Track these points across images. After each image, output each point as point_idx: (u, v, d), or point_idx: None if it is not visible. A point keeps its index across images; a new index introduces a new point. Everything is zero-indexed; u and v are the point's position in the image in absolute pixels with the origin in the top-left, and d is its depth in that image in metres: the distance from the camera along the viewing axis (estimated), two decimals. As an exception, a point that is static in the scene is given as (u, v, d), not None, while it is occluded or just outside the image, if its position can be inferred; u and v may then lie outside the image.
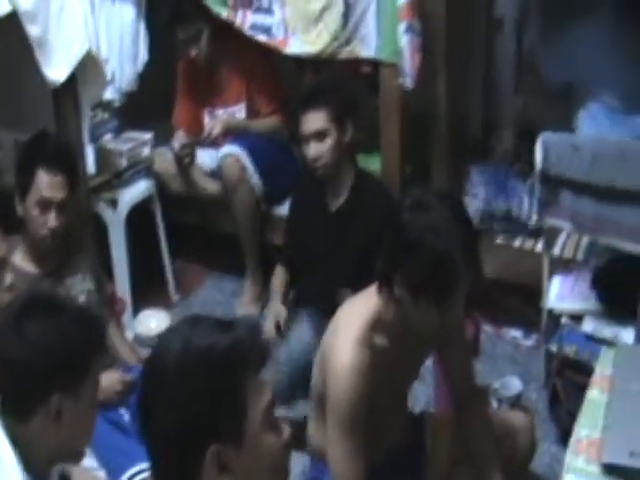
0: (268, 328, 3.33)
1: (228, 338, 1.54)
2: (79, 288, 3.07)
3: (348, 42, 3.59)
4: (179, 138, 4.06)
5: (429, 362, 2.91)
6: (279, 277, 3.52)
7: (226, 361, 1.52)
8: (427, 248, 2.08)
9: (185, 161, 4.04)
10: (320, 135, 3.23)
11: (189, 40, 3.93)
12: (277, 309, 3.41)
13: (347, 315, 2.36)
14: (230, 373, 1.51)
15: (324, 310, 2.67)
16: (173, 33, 3.94)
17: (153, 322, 3.91)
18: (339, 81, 3.64)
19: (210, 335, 1.54)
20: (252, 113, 4.10)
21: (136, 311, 3.92)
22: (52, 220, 2.92)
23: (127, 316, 3.83)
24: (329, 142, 3.23)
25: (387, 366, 2.29)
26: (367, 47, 3.56)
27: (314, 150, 3.24)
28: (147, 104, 4.26)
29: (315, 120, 3.22)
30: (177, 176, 4.11)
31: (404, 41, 3.40)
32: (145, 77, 4.14)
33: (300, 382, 3.04)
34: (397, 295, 2.18)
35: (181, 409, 1.49)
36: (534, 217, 3.02)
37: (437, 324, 2.18)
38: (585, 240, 3.21)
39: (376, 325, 2.27)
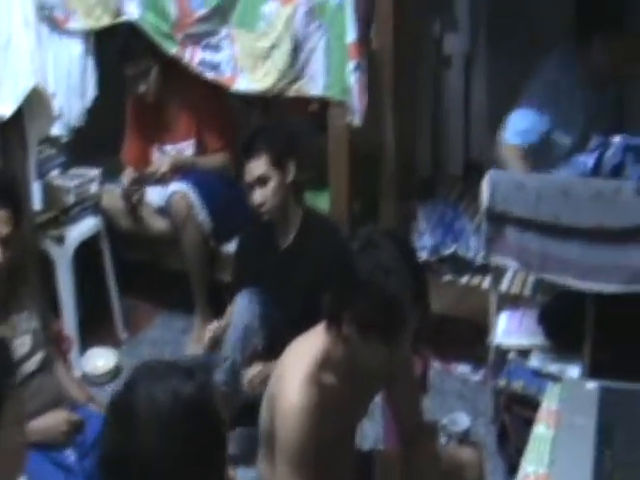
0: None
1: (211, 389, 1.54)
2: (25, 326, 3.02)
3: (296, 80, 3.62)
4: (127, 175, 4.05)
5: (378, 398, 2.91)
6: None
7: (213, 410, 1.52)
8: (376, 288, 2.09)
9: (134, 198, 4.03)
10: (262, 181, 3.24)
11: (138, 76, 3.94)
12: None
13: (295, 354, 2.35)
14: (214, 422, 1.50)
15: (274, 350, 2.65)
16: (122, 69, 3.93)
17: (101, 361, 3.89)
18: (279, 123, 3.65)
19: (193, 384, 1.54)
20: (201, 150, 4.11)
21: (84, 349, 3.89)
22: None
23: (74, 354, 3.78)
24: (271, 185, 3.25)
25: (336, 404, 2.28)
26: (315, 85, 3.59)
27: (258, 196, 3.26)
28: (95, 140, 4.24)
29: (255, 167, 3.24)
30: (125, 213, 4.09)
31: (352, 79, 3.44)
32: (93, 113, 4.13)
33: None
34: (346, 333, 2.18)
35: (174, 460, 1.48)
36: (481, 255, 3.05)
37: (386, 362, 2.19)
38: (532, 276, 3.24)
39: (324, 364, 2.27)
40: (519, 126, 3.37)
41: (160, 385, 1.55)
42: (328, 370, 2.27)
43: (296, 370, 2.26)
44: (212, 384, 1.63)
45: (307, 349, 2.31)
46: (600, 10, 3.26)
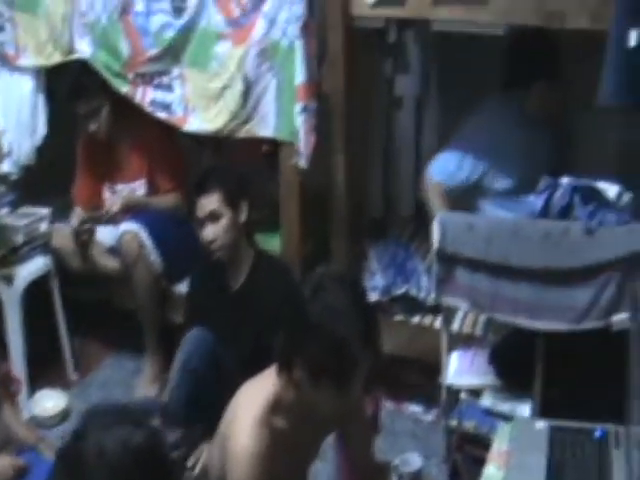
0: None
1: (161, 439, 1.53)
2: (-29, 368, 3.00)
3: (247, 121, 3.63)
4: (77, 215, 4.01)
5: (330, 439, 2.91)
6: None
7: (163, 458, 1.51)
8: (327, 333, 2.10)
9: (84, 238, 4.00)
10: (214, 217, 3.25)
11: (89, 115, 3.92)
12: None
13: (247, 396, 2.35)
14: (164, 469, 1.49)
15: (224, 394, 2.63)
16: (73, 107, 3.91)
17: (50, 403, 3.83)
18: (240, 163, 3.65)
19: (143, 432, 1.53)
20: (152, 189, 4.09)
21: (32, 391, 3.82)
22: None
23: (23, 396, 3.71)
24: (223, 223, 3.26)
25: (287, 447, 2.28)
26: (266, 126, 3.60)
27: (209, 232, 3.26)
28: (45, 178, 4.22)
29: (208, 203, 3.25)
30: (76, 252, 4.05)
31: (299, 121, 3.46)
32: (44, 150, 4.11)
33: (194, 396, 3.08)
34: (296, 377, 2.18)
35: None
36: (432, 295, 3.07)
37: (337, 406, 2.19)
38: (483, 316, 3.26)
39: (276, 407, 2.27)
40: (446, 166, 3.43)
41: (109, 434, 1.54)
42: (279, 413, 2.27)
43: (247, 413, 2.26)
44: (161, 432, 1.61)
45: (258, 392, 2.31)
46: (536, 59, 3.35)
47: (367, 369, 2.18)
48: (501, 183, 3.42)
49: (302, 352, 2.15)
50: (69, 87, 3.93)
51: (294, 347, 2.17)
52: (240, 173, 3.45)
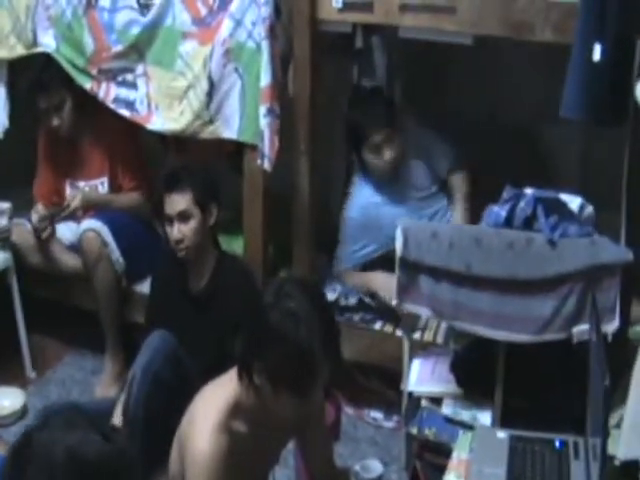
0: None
1: (113, 449, 1.51)
2: None
3: (211, 121, 3.61)
4: (37, 210, 3.96)
5: (290, 445, 2.91)
6: None
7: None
8: (287, 339, 2.12)
9: (43, 234, 3.95)
10: (184, 216, 3.24)
11: (51, 109, 3.88)
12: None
13: (206, 399, 2.35)
14: None
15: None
16: (35, 101, 3.87)
17: (7, 401, 3.79)
18: (203, 164, 3.63)
19: (95, 443, 1.51)
20: (115, 187, 4.06)
21: (-11, 389, 3.78)
22: None
23: (-21, 394, 3.70)
24: (193, 224, 3.26)
25: (246, 451, 2.29)
26: (229, 128, 3.58)
27: (178, 231, 3.25)
28: (6, 173, 4.16)
29: (180, 201, 3.24)
30: (35, 249, 4.01)
31: (264, 124, 3.44)
32: (5, 144, 4.05)
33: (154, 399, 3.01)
34: (256, 383, 2.19)
35: None
36: (394, 302, 3.08)
37: (296, 412, 2.21)
38: (445, 324, 3.28)
39: (235, 411, 2.28)
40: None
41: (60, 438, 1.52)
42: (238, 418, 2.28)
43: (206, 417, 2.27)
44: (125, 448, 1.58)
45: (218, 396, 2.32)
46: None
47: (327, 376, 2.19)
48: None
49: (262, 358, 2.16)
50: (31, 81, 3.87)
51: (254, 352, 2.18)
52: (211, 174, 3.44)
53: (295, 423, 2.39)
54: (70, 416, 1.62)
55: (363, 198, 3.75)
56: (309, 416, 2.43)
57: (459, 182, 3.80)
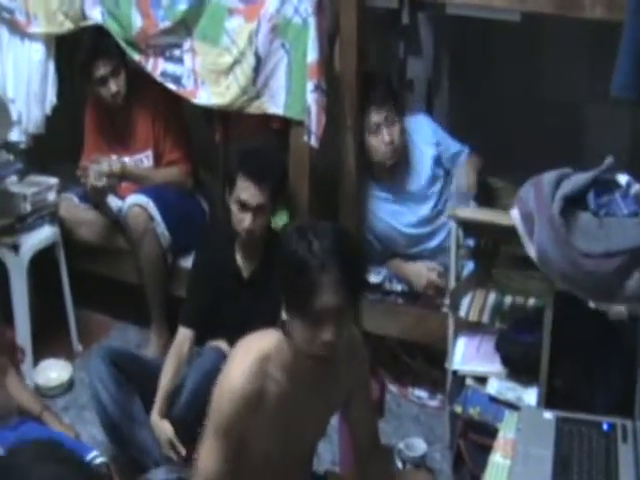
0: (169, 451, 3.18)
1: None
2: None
3: (257, 97, 3.62)
4: (111, 162, 3.92)
5: (334, 420, 2.93)
6: (174, 356, 3.30)
7: None
8: (290, 257, 2.13)
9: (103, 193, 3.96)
10: (260, 210, 3.21)
11: (108, 75, 3.88)
12: (163, 429, 3.17)
13: (245, 344, 2.37)
14: None
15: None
16: (91, 70, 3.86)
17: (54, 372, 3.84)
18: (243, 138, 3.63)
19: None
20: (158, 161, 4.09)
21: (36, 361, 3.83)
22: None
23: (27, 366, 3.74)
24: (265, 217, 3.25)
25: (281, 403, 2.30)
26: (276, 103, 3.59)
27: (251, 223, 3.21)
28: (54, 148, 4.20)
29: (260, 195, 3.20)
30: (82, 223, 4.07)
31: (310, 99, 3.44)
32: (53, 120, 4.08)
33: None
34: (284, 320, 2.21)
35: None
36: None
37: (315, 340, 2.15)
38: (490, 303, 3.27)
39: (272, 356, 2.29)
40: None
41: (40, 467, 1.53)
42: (274, 363, 2.29)
43: (244, 356, 2.30)
44: None
45: (257, 341, 2.35)
46: None
47: (350, 314, 2.19)
48: None
49: (281, 286, 2.18)
50: (88, 49, 3.86)
51: (280, 286, 2.20)
52: (284, 167, 3.43)
53: (335, 386, 2.38)
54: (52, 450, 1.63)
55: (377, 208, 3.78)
56: (351, 386, 2.43)
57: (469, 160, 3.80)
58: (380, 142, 3.63)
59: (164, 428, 3.15)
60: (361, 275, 2.28)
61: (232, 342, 3.07)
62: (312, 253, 2.10)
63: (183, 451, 3.12)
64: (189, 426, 2.99)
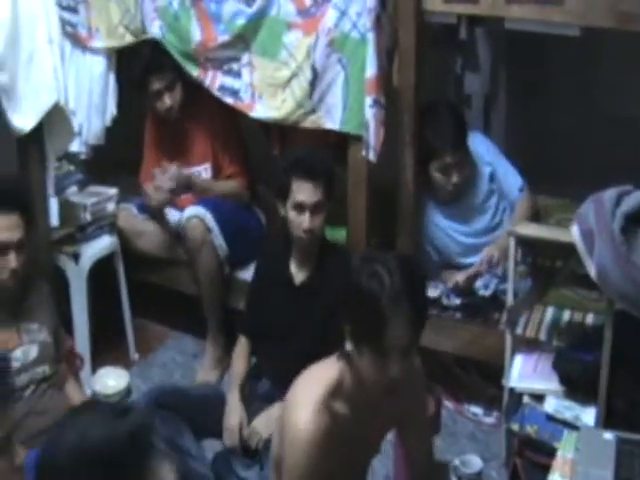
0: (231, 435, 3.20)
1: (123, 432, 1.52)
2: (32, 336, 3.06)
3: (313, 111, 3.63)
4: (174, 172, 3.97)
5: (390, 436, 2.92)
6: (240, 356, 3.37)
7: (121, 456, 1.51)
8: (367, 295, 2.12)
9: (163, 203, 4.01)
10: (318, 207, 3.20)
11: (163, 90, 3.93)
12: (239, 413, 3.21)
13: (307, 380, 2.36)
14: (125, 467, 1.51)
15: (283, 385, 2.61)
16: (146, 85, 3.93)
17: (111, 380, 3.84)
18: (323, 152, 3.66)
19: (106, 427, 1.53)
20: (217, 174, 4.12)
21: (94, 368, 3.84)
22: (12, 261, 2.92)
23: (85, 373, 3.77)
24: (322, 215, 3.23)
25: (346, 435, 2.30)
26: (331, 118, 3.59)
27: (310, 222, 3.19)
28: (113, 159, 4.26)
29: (315, 193, 3.19)
30: (141, 234, 4.12)
31: (369, 114, 3.44)
32: (113, 132, 4.14)
33: None
34: (348, 351, 2.21)
35: None
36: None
37: (383, 374, 2.17)
38: (547, 320, 3.25)
39: (336, 392, 2.29)
40: None
41: (93, 424, 1.54)
42: (339, 399, 2.29)
43: (307, 396, 2.28)
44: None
45: (319, 377, 2.33)
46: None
47: (414, 341, 2.19)
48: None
49: (347, 319, 2.19)
50: (144, 63, 3.92)
51: (343, 318, 2.21)
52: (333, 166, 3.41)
53: (393, 407, 2.38)
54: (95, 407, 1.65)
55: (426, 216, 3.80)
56: (408, 406, 2.44)
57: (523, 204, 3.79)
58: (447, 181, 3.67)
59: (234, 416, 3.18)
60: (427, 309, 2.29)
61: (281, 349, 3.21)
62: (383, 288, 2.11)
63: (238, 445, 3.14)
64: None
